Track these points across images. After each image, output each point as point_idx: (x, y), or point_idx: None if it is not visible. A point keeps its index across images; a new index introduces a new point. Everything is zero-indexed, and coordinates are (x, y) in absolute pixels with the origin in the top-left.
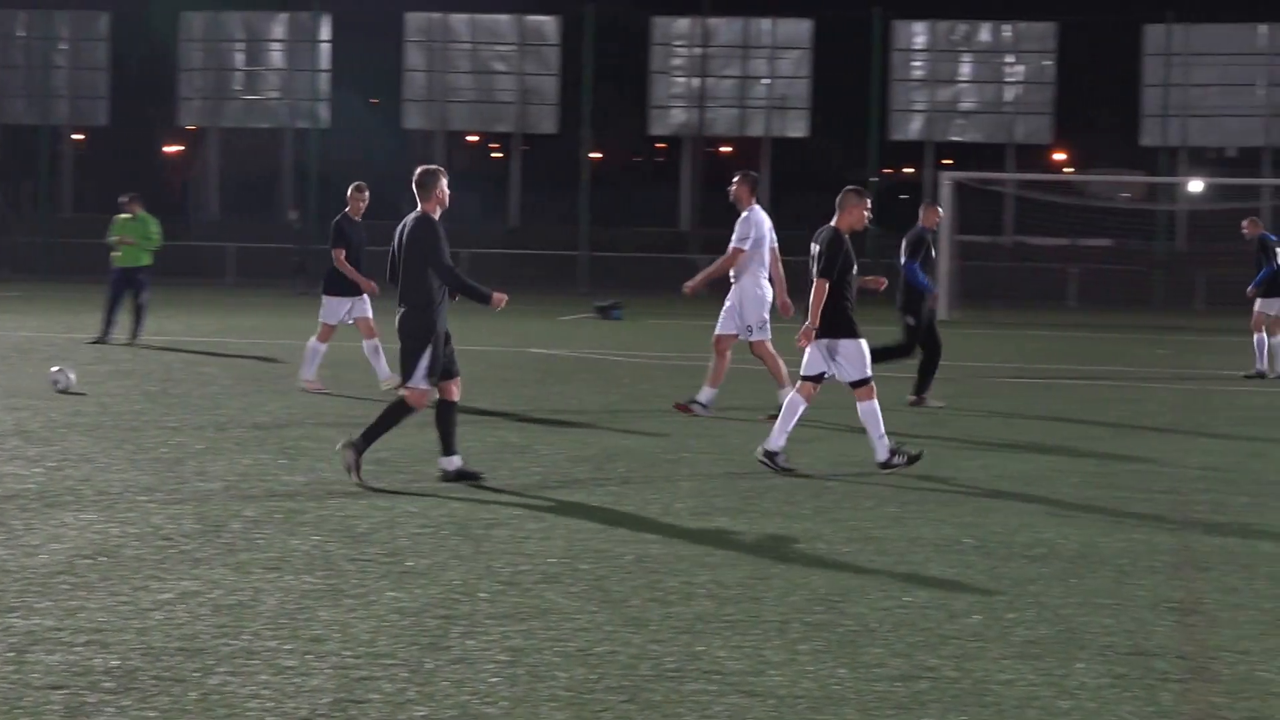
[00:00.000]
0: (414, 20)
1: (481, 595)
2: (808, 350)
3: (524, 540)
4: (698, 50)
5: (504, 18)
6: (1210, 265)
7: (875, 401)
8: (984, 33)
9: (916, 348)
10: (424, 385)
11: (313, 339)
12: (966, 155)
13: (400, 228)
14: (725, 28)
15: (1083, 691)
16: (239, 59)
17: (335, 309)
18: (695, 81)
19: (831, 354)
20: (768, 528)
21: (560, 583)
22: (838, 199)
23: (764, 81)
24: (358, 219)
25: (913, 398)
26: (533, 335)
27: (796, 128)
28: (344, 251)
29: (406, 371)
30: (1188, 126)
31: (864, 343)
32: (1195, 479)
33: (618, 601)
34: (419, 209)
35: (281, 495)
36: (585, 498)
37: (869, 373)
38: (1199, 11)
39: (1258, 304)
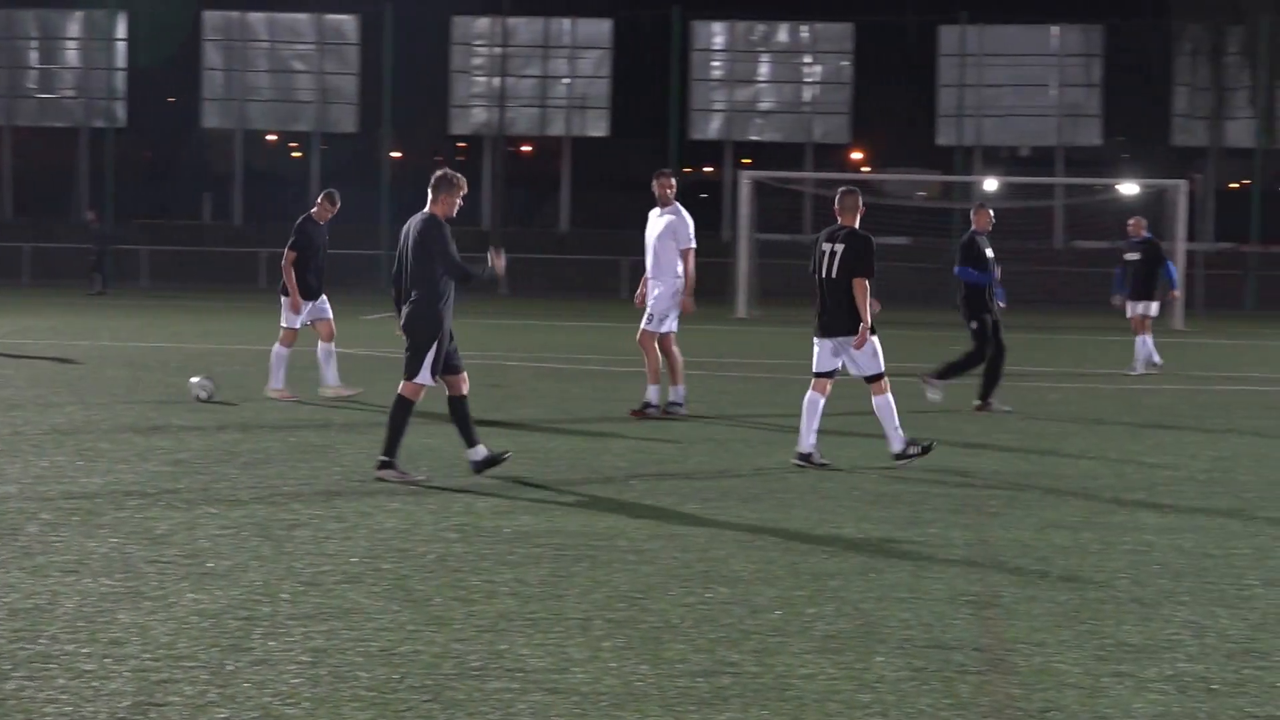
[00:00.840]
0: (211, 19)
1: (283, 596)
2: (816, 348)
3: (325, 540)
4: (498, 50)
5: (303, 16)
6: (1004, 262)
7: (889, 395)
8: (782, 33)
9: (986, 351)
10: (429, 381)
11: (276, 345)
12: (766, 154)
13: (406, 227)
14: (525, 27)
15: (882, 684)
16: (33, 57)
17: (305, 310)
18: (496, 81)
19: (844, 350)
20: (570, 525)
21: (362, 583)
22: (841, 200)
23: (564, 81)
24: (322, 223)
25: (978, 403)
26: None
27: (597, 127)
28: (296, 255)
29: (412, 368)
30: (982, 126)
31: (875, 339)
32: (990, 473)
33: (420, 600)
34: (426, 209)
35: (79, 497)
36: (387, 498)
37: (882, 368)
38: (993, 13)
39: (1131, 306)
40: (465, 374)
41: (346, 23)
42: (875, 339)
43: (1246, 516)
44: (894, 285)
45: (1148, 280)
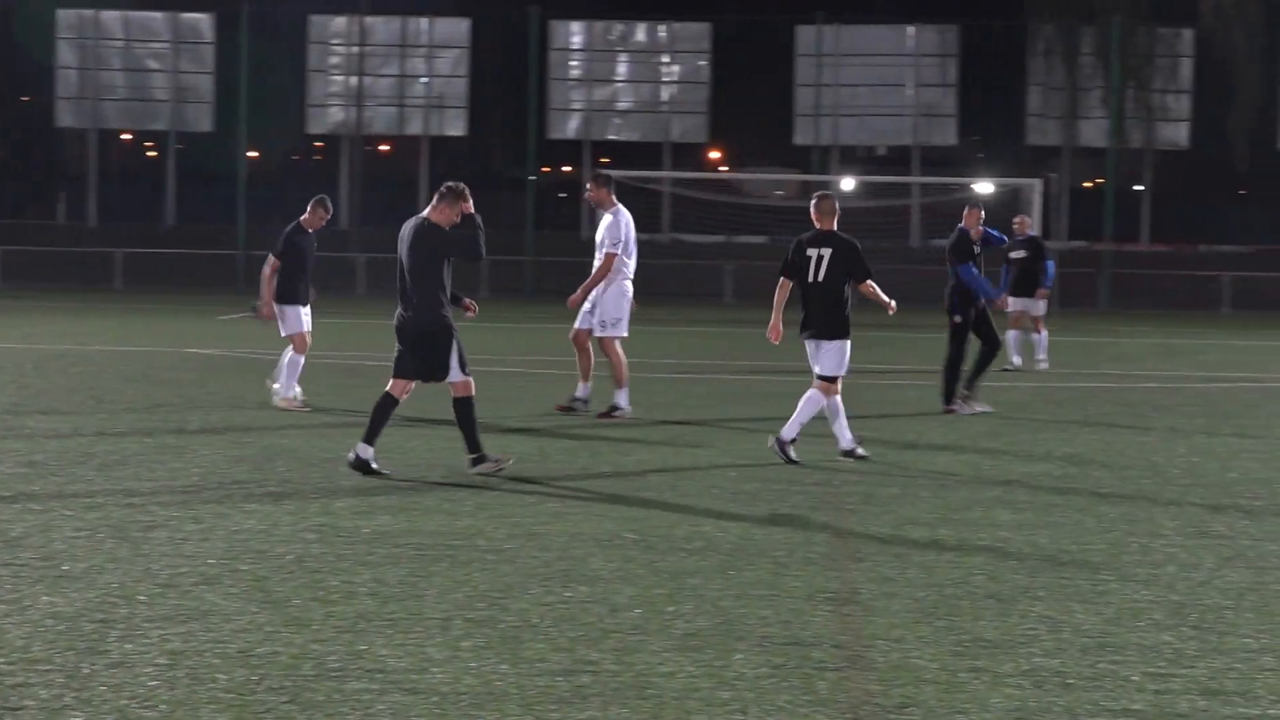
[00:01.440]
0: (65, 17)
1: (140, 598)
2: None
3: (183, 542)
4: (355, 49)
5: (158, 15)
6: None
7: (825, 401)
8: (640, 33)
9: (966, 346)
10: (464, 376)
11: (288, 352)
12: (624, 154)
13: (401, 234)
14: (382, 26)
15: (741, 682)
16: None
17: (296, 317)
18: (353, 80)
19: (817, 350)
20: (429, 525)
21: (220, 584)
22: (819, 205)
23: (422, 80)
24: (311, 231)
25: (960, 397)
26: (191, 335)
27: (455, 126)
28: (281, 264)
29: (439, 370)
30: (839, 125)
31: (849, 345)
32: (848, 470)
33: (279, 602)
34: (424, 215)
35: None
36: (245, 498)
37: (839, 373)
38: (849, 13)
39: (1014, 302)
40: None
41: (202, 21)
42: (849, 345)
43: (1101, 512)
44: (753, 283)
45: (1033, 277)
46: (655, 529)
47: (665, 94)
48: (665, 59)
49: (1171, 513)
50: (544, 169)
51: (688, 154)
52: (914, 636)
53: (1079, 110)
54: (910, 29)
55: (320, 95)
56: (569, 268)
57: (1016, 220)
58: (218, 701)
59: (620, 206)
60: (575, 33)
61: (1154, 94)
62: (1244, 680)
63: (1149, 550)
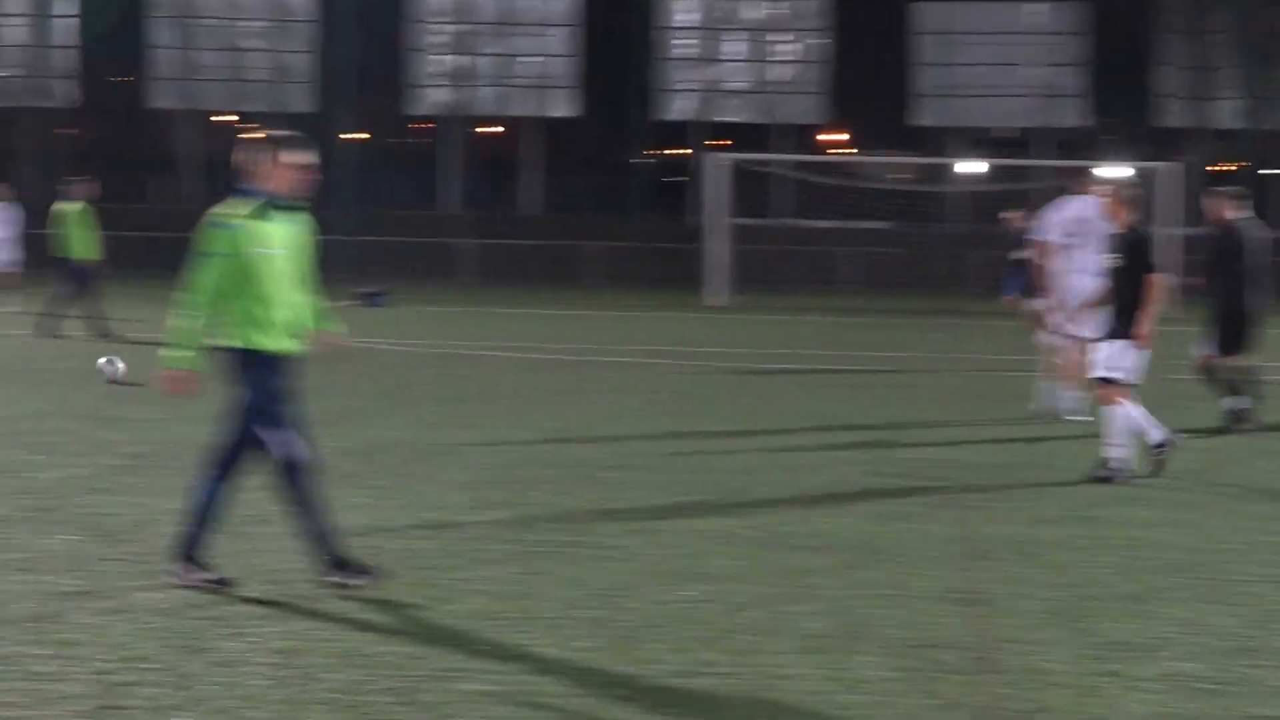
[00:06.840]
0: None
1: (245, 594)
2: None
3: (292, 537)
4: (459, 26)
5: None
6: (984, 247)
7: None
8: (755, 9)
9: None
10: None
11: None
12: (736, 135)
13: (1246, 231)
14: (486, 3)
15: (866, 685)
16: None
17: None
18: (459, 59)
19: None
20: (534, 512)
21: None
22: (1122, 193)
23: (530, 59)
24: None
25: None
26: None
27: (563, 107)
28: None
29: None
30: (959, 107)
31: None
32: (972, 467)
33: (386, 601)
34: (1250, 216)
35: (36, 493)
36: (354, 490)
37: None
38: None
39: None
40: None
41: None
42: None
43: (1236, 511)
44: (872, 270)
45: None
46: (773, 526)
47: (781, 73)
48: (781, 37)
49: None
50: (652, 151)
51: (803, 135)
52: (1043, 639)
53: (1210, 90)
54: (1029, 6)
55: (421, 75)
56: (677, 254)
57: (1008, 217)
58: (323, 701)
59: (1070, 198)
60: (687, 9)
61: None
62: None
63: None
